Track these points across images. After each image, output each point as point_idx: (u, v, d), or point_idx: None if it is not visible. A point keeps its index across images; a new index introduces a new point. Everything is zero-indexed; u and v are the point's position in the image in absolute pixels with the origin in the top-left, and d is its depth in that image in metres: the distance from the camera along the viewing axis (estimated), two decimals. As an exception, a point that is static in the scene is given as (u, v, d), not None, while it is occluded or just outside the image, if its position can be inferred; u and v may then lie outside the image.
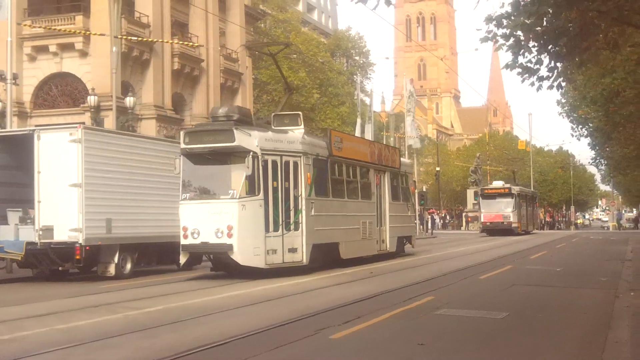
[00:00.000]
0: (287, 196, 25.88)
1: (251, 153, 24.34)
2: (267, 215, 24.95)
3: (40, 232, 24.70)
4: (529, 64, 16.91)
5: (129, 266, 26.70)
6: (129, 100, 41.11)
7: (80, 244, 24.49)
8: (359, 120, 67.81)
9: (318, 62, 74.96)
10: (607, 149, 59.08)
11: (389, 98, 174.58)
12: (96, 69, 44.71)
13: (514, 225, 71.62)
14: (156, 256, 29.03)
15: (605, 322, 15.08)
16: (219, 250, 24.75)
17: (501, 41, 16.69)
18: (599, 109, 40.19)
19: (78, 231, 24.46)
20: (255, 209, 24.64)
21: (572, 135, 56.41)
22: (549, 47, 16.40)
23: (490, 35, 16.80)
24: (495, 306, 17.59)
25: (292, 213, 25.98)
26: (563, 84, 19.12)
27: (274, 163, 25.41)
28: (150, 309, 17.30)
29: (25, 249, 24.71)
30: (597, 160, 69.11)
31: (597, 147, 61.15)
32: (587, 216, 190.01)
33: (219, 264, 26.70)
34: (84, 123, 29.97)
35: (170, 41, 49.34)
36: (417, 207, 61.76)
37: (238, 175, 24.95)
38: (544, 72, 17.23)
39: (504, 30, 16.45)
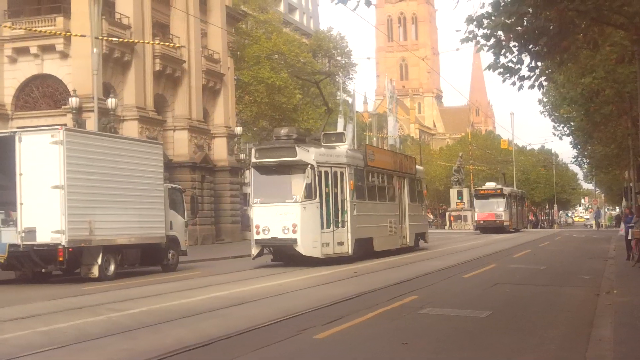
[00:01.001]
0: (336, 200, 32.25)
1: (309, 165, 30.76)
2: (322, 215, 31.21)
3: (23, 234, 24.59)
4: (510, 64, 16.98)
5: (112, 268, 26.60)
6: (111, 102, 40.98)
7: (63, 245, 24.39)
8: (340, 121, 67.74)
9: (300, 63, 74.90)
10: (589, 147, 59.37)
11: (372, 98, 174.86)
12: (77, 71, 44.48)
13: (505, 223, 77.26)
14: (139, 257, 28.97)
15: (589, 320, 15.11)
16: (286, 243, 30.83)
17: (482, 42, 16.75)
18: (579, 109, 40.41)
19: (61, 233, 24.35)
20: (314, 210, 30.88)
21: (554, 134, 56.91)
22: (530, 47, 16.47)
23: (471, 36, 16.86)
24: (479, 305, 17.62)
25: (339, 213, 32.32)
26: (544, 83, 19.21)
27: (326, 173, 31.69)
28: (133, 310, 17.25)
29: (7, 251, 24.61)
30: (579, 159, 69.48)
31: (579, 146, 61.45)
32: (569, 214, 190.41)
33: (278, 255, 32.38)
34: (65, 125, 29.82)
35: (152, 42, 49.16)
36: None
37: (299, 183, 31.06)
38: (524, 71, 17.31)
39: (485, 31, 16.50)
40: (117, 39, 44.92)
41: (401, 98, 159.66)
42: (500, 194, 79.56)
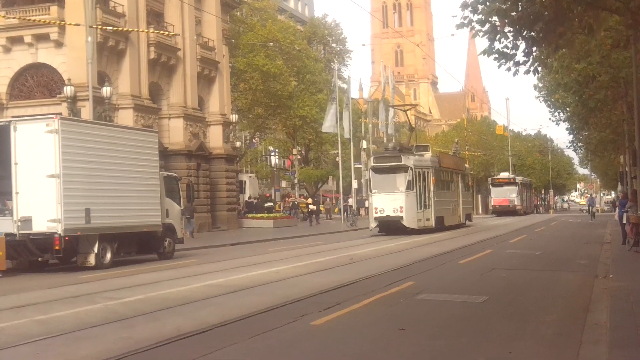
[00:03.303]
0: (424, 190, 46.53)
1: (410, 168, 45.29)
2: (417, 201, 45.43)
3: (19, 224, 24.62)
4: (505, 50, 16.94)
5: (108, 256, 26.64)
6: (106, 90, 40.84)
7: (59, 234, 24.46)
8: (332, 107, 67.13)
9: (295, 50, 74.72)
10: (585, 133, 59.35)
11: (367, 84, 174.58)
12: (72, 60, 44.29)
13: (517, 207, 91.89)
14: (136, 246, 29.02)
15: (584, 305, 15.17)
16: (395, 219, 44.89)
17: (477, 27, 16.70)
18: (573, 95, 40.35)
19: (57, 222, 24.41)
20: (412, 197, 45.22)
21: (551, 120, 57.89)
22: (524, 33, 16.42)
23: (466, 22, 16.82)
24: (476, 290, 17.67)
25: (426, 199, 46.68)
26: (539, 68, 19.18)
27: (419, 172, 45.99)
28: (130, 298, 17.29)
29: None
30: (575, 144, 69.46)
31: (575, 132, 61.41)
32: (565, 199, 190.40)
33: (385, 227, 45.82)
34: (60, 114, 29.82)
35: (146, 31, 48.97)
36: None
37: (402, 179, 45.35)
38: (520, 57, 17.27)
39: (480, 16, 16.46)
40: (111, 28, 44.73)
41: (396, 84, 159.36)
42: (513, 182, 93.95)
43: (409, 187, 44.96)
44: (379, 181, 46.11)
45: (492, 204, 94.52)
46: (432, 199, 47.17)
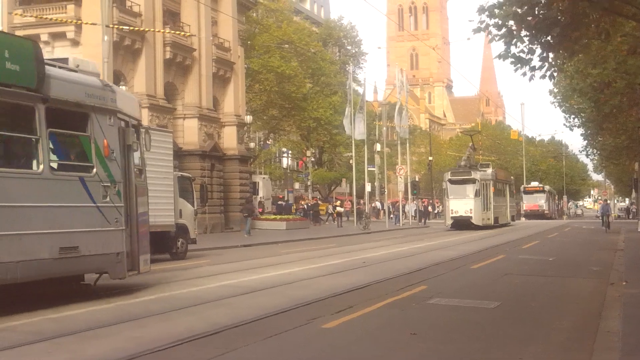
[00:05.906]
0: (486, 197, 60.65)
1: (477, 180, 59.47)
2: (482, 205, 59.65)
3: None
4: (521, 54, 16.93)
5: (121, 255, 26.62)
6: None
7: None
8: (348, 109, 67.10)
9: (310, 52, 74.83)
10: (600, 139, 59.25)
11: (382, 87, 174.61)
12: (88, 58, 44.26)
13: (545, 212, 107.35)
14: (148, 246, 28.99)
15: (597, 311, 15.11)
16: (466, 218, 59.01)
17: (494, 31, 16.70)
18: (588, 101, 40.25)
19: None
20: (479, 202, 59.31)
21: (565, 126, 58.60)
22: (541, 37, 16.42)
23: (482, 26, 16.83)
24: (488, 296, 17.63)
25: (488, 203, 60.73)
26: (555, 74, 19.15)
27: (483, 184, 60.44)
28: (142, 298, 17.29)
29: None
30: (589, 150, 69.37)
31: (589, 138, 61.36)
32: (578, 205, 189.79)
33: (457, 224, 59.31)
34: (75, 112, 29.77)
35: (162, 31, 49.13)
36: (410, 196, 71.07)
37: (472, 189, 59.41)
38: (536, 62, 17.26)
39: (496, 20, 16.46)
40: (127, 27, 44.90)
41: (411, 88, 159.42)
42: (542, 190, 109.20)
43: (477, 194, 59.18)
44: (454, 190, 60.41)
45: (524, 208, 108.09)
46: (492, 203, 61.75)
